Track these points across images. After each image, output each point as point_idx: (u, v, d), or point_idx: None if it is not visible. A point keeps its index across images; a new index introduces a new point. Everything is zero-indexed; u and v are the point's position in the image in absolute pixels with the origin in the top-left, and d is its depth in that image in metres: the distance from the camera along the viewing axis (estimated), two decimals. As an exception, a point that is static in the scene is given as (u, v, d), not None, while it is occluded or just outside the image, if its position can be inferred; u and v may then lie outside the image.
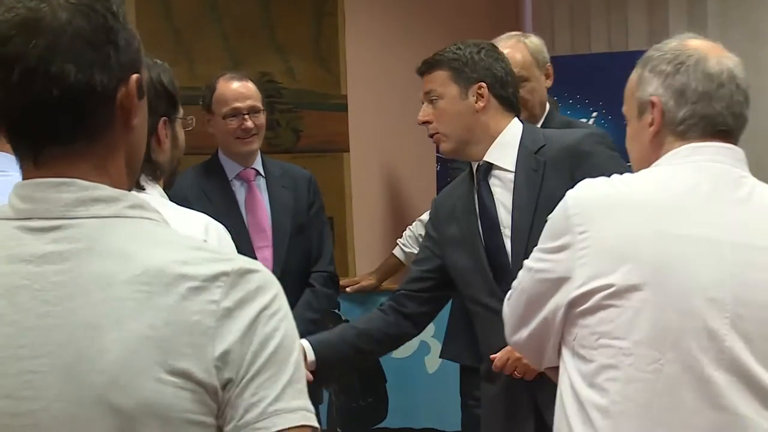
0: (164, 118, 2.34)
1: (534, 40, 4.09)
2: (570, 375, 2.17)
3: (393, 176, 5.97)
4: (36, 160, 1.38)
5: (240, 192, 4.11)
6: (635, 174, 2.24)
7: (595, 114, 5.83)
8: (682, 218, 2.10)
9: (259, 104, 4.08)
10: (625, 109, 2.32)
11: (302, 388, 1.36)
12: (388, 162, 5.36)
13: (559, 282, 2.16)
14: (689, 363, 2.05)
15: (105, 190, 1.38)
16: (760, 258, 2.10)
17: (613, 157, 3.04)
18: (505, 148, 3.10)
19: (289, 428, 1.32)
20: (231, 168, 4.12)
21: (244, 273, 1.35)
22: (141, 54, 1.44)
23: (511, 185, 3.08)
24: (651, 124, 2.22)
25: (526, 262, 2.27)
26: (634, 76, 2.29)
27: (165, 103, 2.35)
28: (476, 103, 3.09)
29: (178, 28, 5.14)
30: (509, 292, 2.33)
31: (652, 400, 2.07)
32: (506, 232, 3.05)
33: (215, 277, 1.33)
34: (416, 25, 6.00)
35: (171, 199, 2.39)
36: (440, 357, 3.73)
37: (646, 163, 2.24)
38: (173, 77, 2.43)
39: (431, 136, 3.15)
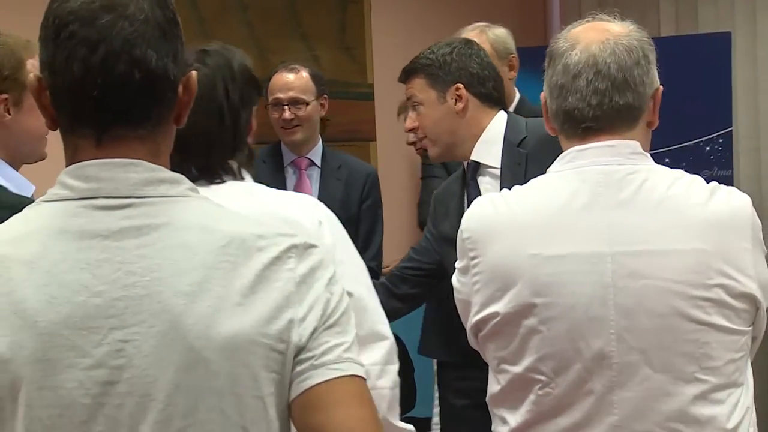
0: (254, 107, 2.36)
1: (497, 32, 4.06)
2: (489, 391, 2.19)
3: (419, 165, 5.94)
4: (99, 139, 1.41)
5: (291, 179, 4.18)
6: (521, 188, 2.15)
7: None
8: (558, 237, 2.03)
9: (304, 96, 4.13)
10: None
11: (358, 349, 1.48)
12: (414, 151, 5.34)
13: (466, 305, 2.16)
14: (578, 385, 2.02)
15: (168, 173, 1.45)
16: (643, 263, 2.00)
17: None
18: (489, 144, 3.09)
19: (357, 376, 1.44)
20: (287, 155, 4.22)
21: (308, 246, 1.47)
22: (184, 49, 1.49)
23: (497, 180, 3.08)
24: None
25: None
26: None
27: (255, 91, 2.37)
28: (456, 104, 3.08)
29: (204, 18, 5.13)
30: None
31: (548, 422, 2.07)
32: None
33: (288, 249, 1.44)
34: (442, 12, 5.96)
35: None
36: (418, 353, 3.77)
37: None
38: None
39: (417, 142, 3.19)
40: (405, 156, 5.89)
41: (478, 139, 3.09)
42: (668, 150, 5.41)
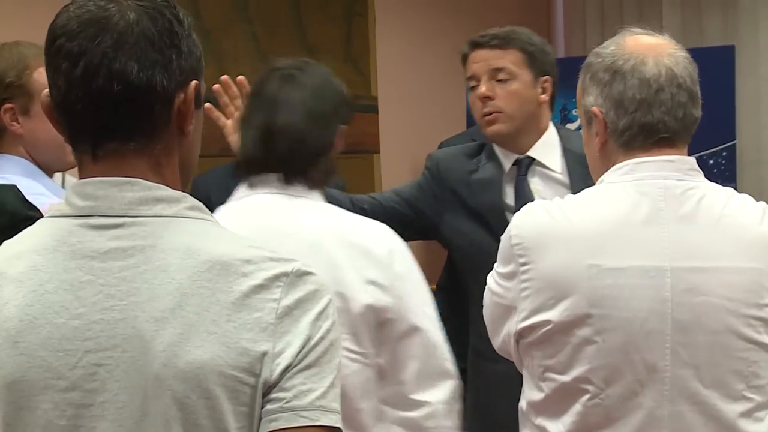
0: (343, 126, 2.39)
1: None
2: (526, 397, 2.17)
3: (423, 177, 5.97)
4: (94, 154, 1.41)
5: None
6: (576, 197, 2.15)
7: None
8: (618, 249, 2.03)
9: None
10: (579, 113, 2.26)
11: (339, 393, 1.41)
12: (419, 163, 5.33)
13: (509, 310, 2.13)
14: (629, 397, 2.02)
15: (166, 191, 1.42)
16: (701, 280, 2.01)
17: None
18: (550, 147, 3.06)
19: (329, 426, 1.38)
20: None
21: (303, 274, 1.41)
22: (202, 63, 1.48)
23: (555, 184, 3.03)
24: (597, 135, 2.15)
25: (489, 277, 2.22)
26: (579, 82, 2.22)
27: (346, 111, 2.41)
28: (541, 95, 3.05)
29: (208, 29, 5.15)
30: (486, 289, 2.28)
31: None
32: None
33: (276, 277, 1.39)
34: (446, 26, 5.98)
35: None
36: None
37: (597, 173, 2.18)
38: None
39: (488, 114, 3.03)
40: (408, 168, 5.90)
41: (539, 137, 3.06)
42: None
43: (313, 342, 1.39)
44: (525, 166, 3.06)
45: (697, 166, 2.11)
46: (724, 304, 2.00)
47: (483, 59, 3.04)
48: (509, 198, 3.07)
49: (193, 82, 1.45)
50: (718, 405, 2.01)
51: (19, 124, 2.51)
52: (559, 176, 3.04)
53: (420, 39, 5.94)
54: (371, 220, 2.34)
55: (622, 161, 2.11)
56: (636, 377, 2.01)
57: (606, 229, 2.05)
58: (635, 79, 2.07)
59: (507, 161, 3.10)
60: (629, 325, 2.00)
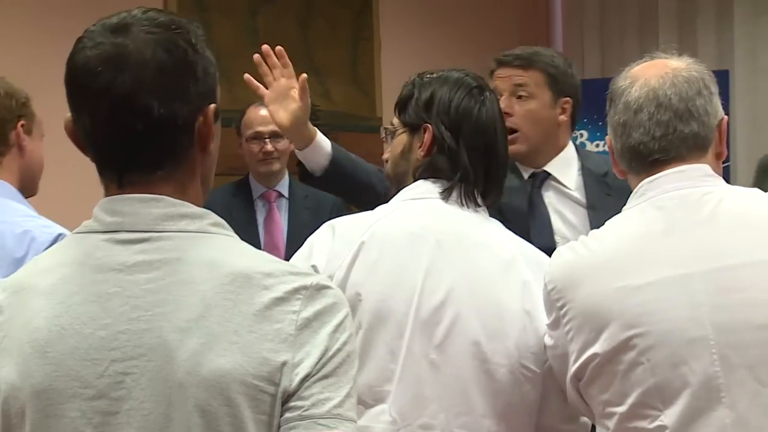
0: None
1: None
2: None
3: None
4: (120, 183, 1.46)
5: (261, 212, 4.31)
6: (599, 230, 2.12)
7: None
8: (643, 266, 1.98)
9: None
10: None
11: (355, 403, 1.44)
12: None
13: (563, 358, 2.09)
14: (689, 412, 1.93)
15: (190, 208, 1.46)
16: (733, 277, 1.94)
17: None
18: (566, 163, 3.11)
19: None
20: (256, 189, 4.34)
21: (321, 288, 1.43)
22: (216, 79, 1.51)
23: (568, 200, 3.07)
24: None
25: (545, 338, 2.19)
26: None
27: None
28: (560, 116, 3.09)
29: (219, 52, 5.22)
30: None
31: None
32: (557, 239, 2.98)
33: (296, 290, 1.41)
34: (449, 49, 6.11)
35: None
36: None
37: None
38: None
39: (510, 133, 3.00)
40: (412, 187, 6.01)
41: (556, 155, 3.10)
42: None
43: (330, 353, 1.40)
44: (540, 180, 3.11)
45: (711, 172, 2.05)
46: (761, 296, 1.93)
47: (506, 76, 3.09)
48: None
49: (212, 106, 1.47)
50: None
51: (30, 136, 2.67)
52: (574, 193, 3.08)
53: (423, 62, 6.01)
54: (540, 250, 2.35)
55: (637, 185, 2.09)
56: (690, 390, 1.92)
57: (627, 249, 2.02)
58: (621, 103, 2.07)
59: (525, 173, 3.15)
60: (670, 338, 1.93)
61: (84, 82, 1.42)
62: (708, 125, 2.06)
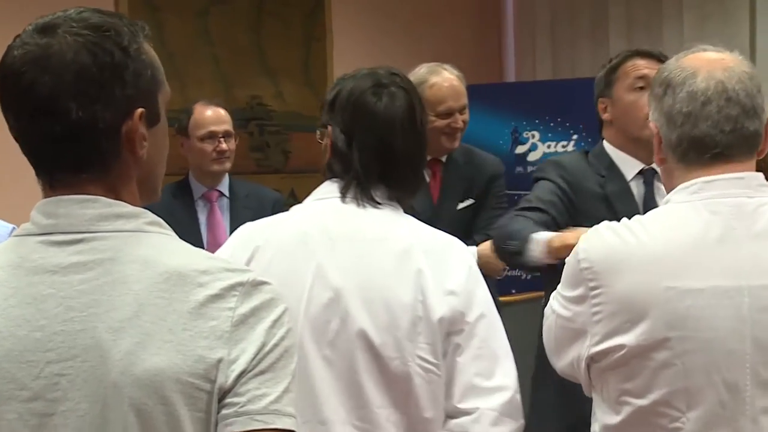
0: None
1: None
2: (599, 421, 2.12)
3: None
4: (51, 184, 1.46)
5: (203, 212, 4.29)
6: (645, 218, 2.09)
7: (575, 136, 5.97)
8: (694, 270, 1.97)
9: (232, 129, 4.30)
10: None
11: (294, 397, 1.43)
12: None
13: (578, 334, 2.08)
14: (711, 420, 1.96)
15: (126, 207, 1.46)
16: None
17: None
18: None
19: (283, 429, 1.40)
20: (197, 189, 4.32)
21: (258, 284, 1.44)
22: (155, 80, 1.49)
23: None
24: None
25: (551, 299, 2.19)
26: None
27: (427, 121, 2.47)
28: None
29: (172, 53, 5.27)
30: (546, 311, 2.24)
31: None
32: None
33: (231, 287, 1.41)
34: (400, 51, 6.13)
35: None
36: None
37: (667, 188, 2.13)
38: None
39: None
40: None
41: None
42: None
43: (267, 348, 1.40)
44: (650, 176, 3.14)
45: (765, 181, 2.05)
46: None
47: (655, 68, 3.04)
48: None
49: (138, 111, 1.44)
50: None
51: None
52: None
53: (375, 63, 6.07)
54: (449, 235, 2.38)
55: (687, 179, 2.06)
56: (718, 398, 1.95)
57: (681, 251, 1.99)
58: (684, 92, 2.03)
59: (629, 171, 3.17)
60: (710, 346, 1.94)
61: (10, 83, 1.43)
62: (763, 124, 2.06)
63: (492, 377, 2.24)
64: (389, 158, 2.31)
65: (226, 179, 4.34)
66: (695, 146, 2.03)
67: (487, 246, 3.88)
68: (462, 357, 2.23)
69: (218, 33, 5.50)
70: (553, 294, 2.17)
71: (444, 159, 4.06)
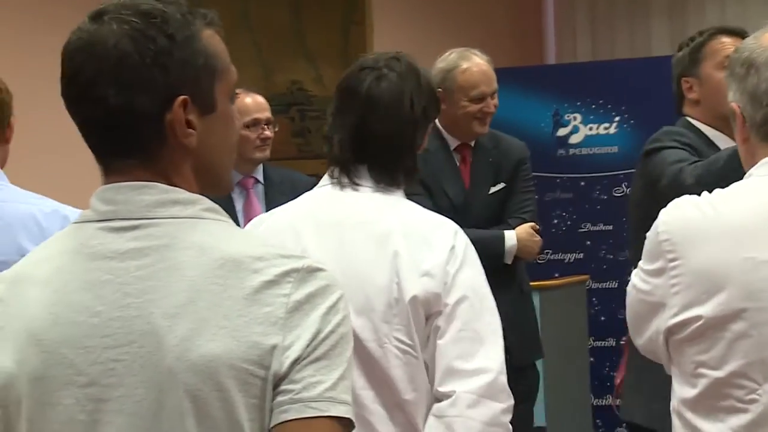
0: (427, 128, 2.43)
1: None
2: (677, 395, 2.11)
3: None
4: (105, 170, 1.47)
5: (239, 199, 4.29)
6: (725, 191, 2.09)
7: (618, 119, 5.94)
8: None
9: (272, 117, 4.32)
10: None
11: (350, 385, 1.42)
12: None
13: (657, 307, 2.08)
14: None
15: (183, 194, 1.45)
16: None
17: None
18: None
19: (338, 417, 1.38)
20: (233, 177, 4.26)
21: (313, 270, 1.42)
22: (210, 68, 1.48)
23: None
24: (739, 131, 2.12)
25: (633, 275, 2.19)
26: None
27: (436, 108, 2.46)
28: None
29: (212, 38, 5.28)
30: (628, 288, 2.25)
31: (751, 431, 1.99)
32: None
33: (286, 273, 1.41)
34: (441, 34, 6.11)
35: None
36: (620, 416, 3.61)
37: (747, 167, 2.12)
38: None
39: None
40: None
41: None
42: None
43: (322, 335, 1.40)
44: None
45: None
46: None
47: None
48: None
49: (180, 98, 1.43)
50: None
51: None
52: None
53: (415, 48, 6.04)
54: (440, 217, 2.39)
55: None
56: None
57: (759, 222, 2.00)
58: None
59: (724, 146, 3.10)
60: None
61: (64, 69, 1.45)
62: None
63: (473, 359, 2.24)
64: (366, 139, 2.32)
65: (260, 166, 4.35)
66: None
67: (523, 229, 3.94)
68: (442, 340, 2.24)
69: (258, 17, 5.51)
70: (635, 271, 2.17)
71: (473, 144, 4.07)
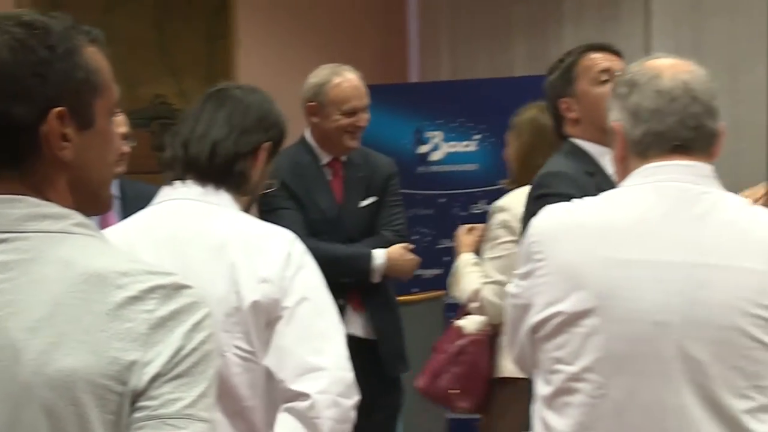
0: (269, 143, 2.47)
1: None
2: (536, 395, 2.19)
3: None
4: None
5: (93, 216, 4.21)
6: (595, 198, 2.20)
7: (478, 137, 6.04)
8: (633, 243, 2.07)
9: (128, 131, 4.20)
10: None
11: (212, 402, 1.42)
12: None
13: (526, 309, 2.17)
14: (635, 388, 2.04)
15: (54, 208, 1.45)
16: (714, 277, 2.04)
17: None
18: None
19: None
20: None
21: (179, 287, 1.43)
22: (90, 84, 1.47)
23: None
24: (617, 150, 2.21)
25: (509, 287, 2.28)
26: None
27: (271, 129, 2.51)
28: None
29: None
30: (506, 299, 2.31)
31: (598, 425, 2.07)
32: None
33: (151, 289, 1.40)
34: (307, 49, 6.13)
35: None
36: None
37: (621, 181, 2.22)
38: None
39: None
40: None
41: None
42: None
43: (185, 352, 1.39)
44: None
45: (713, 175, 2.15)
46: (733, 301, 2.01)
47: (615, 61, 3.15)
48: None
49: (56, 110, 1.43)
50: (723, 399, 2.01)
51: None
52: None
53: (281, 62, 6.07)
54: (278, 227, 2.43)
55: (640, 167, 2.15)
56: (641, 369, 2.03)
57: (622, 224, 2.09)
58: (651, 90, 2.13)
59: (609, 163, 3.00)
60: (637, 317, 2.03)
61: None
62: (718, 125, 2.17)
63: (321, 355, 2.28)
64: (186, 147, 2.43)
65: (116, 181, 4.28)
66: (658, 139, 2.13)
67: (395, 249, 4.01)
68: (287, 340, 2.27)
69: (120, 30, 5.45)
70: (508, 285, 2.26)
71: (344, 159, 4.13)
